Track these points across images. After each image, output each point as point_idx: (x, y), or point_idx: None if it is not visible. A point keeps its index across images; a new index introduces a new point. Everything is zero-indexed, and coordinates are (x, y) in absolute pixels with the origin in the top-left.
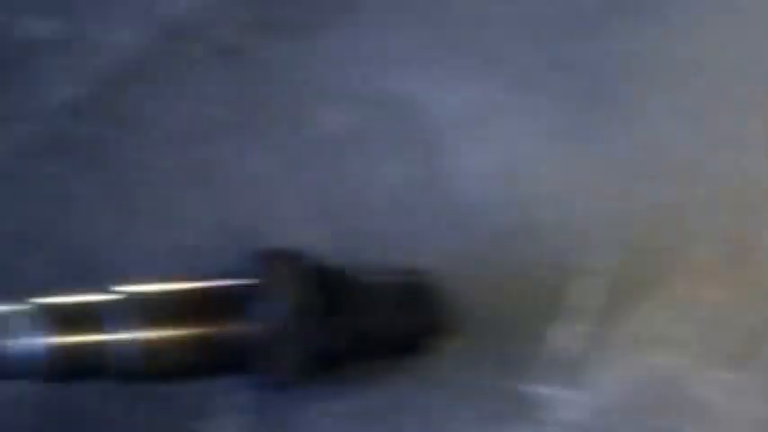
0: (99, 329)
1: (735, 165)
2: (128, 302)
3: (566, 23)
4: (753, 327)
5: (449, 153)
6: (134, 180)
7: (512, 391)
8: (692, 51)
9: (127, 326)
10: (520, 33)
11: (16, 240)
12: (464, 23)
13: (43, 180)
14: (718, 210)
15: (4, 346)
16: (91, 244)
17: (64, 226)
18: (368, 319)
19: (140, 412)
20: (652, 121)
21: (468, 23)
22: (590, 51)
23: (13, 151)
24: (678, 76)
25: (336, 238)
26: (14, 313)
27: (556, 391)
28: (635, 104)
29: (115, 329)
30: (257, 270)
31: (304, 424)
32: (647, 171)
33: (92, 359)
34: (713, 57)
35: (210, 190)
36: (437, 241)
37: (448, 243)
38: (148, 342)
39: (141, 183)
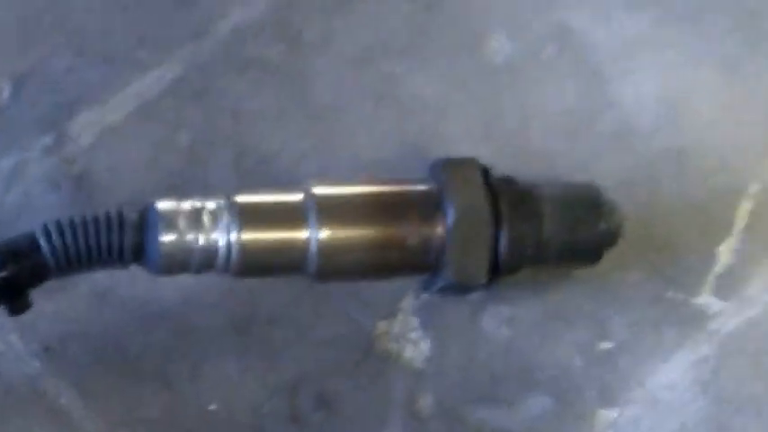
0: (290, 227)
1: None
2: (315, 201)
3: None
4: None
5: (614, 81)
6: (309, 96)
7: (680, 301)
8: None
9: (316, 224)
10: None
11: (193, 150)
12: None
13: (223, 95)
14: None
15: (196, 239)
16: (267, 154)
17: (239, 137)
18: (549, 227)
19: (326, 312)
20: None
21: None
22: None
23: (196, 68)
24: None
25: (507, 156)
26: (208, 209)
27: (719, 303)
28: None
29: (305, 227)
30: (439, 177)
31: (474, 328)
32: None
33: (281, 255)
34: None
35: (384, 108)
36: (606, 160)
37: (616, 162)
38: (333, 240)
39: (317, 99)
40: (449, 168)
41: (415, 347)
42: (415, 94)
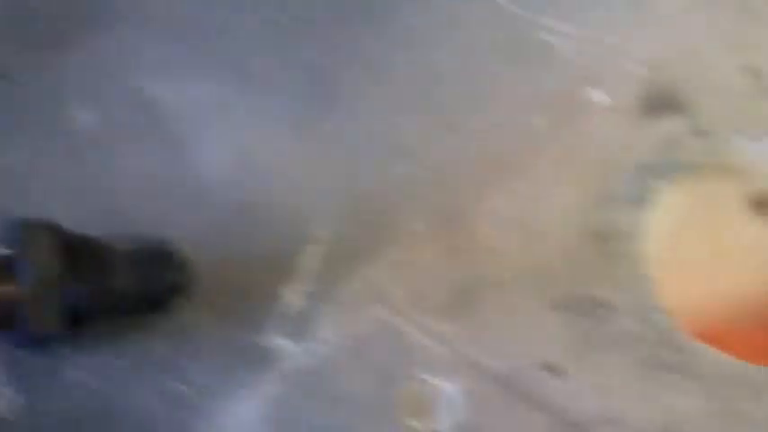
0: None
1: (444, 148)
2: None
3: (297, 29)
4: (461, 283)
5: (192, 144)
6: None
7: (251, 344)
8: (412, 54)
9: None
10: (257, 39)
11: None
12: (207, 32)
13: None
14: (430, 186)
15: None
16: None
17: None
18: (122, 280)
19: None
20: (374, 112)
21: (210, 31)
22: (321, 53)
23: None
24: (396, 74)
25: (95, 218)
26: None
27: (288, 343)
28: (359, 98)
29: None
30: (12, 238)
31: (58, 378)
32: (368, 154)
33: None
34: (429, 57)
35: None
36: (183, 218)
37: (193, 219)
38: None
39: None
40: (22, 229)
41: (3, 399)
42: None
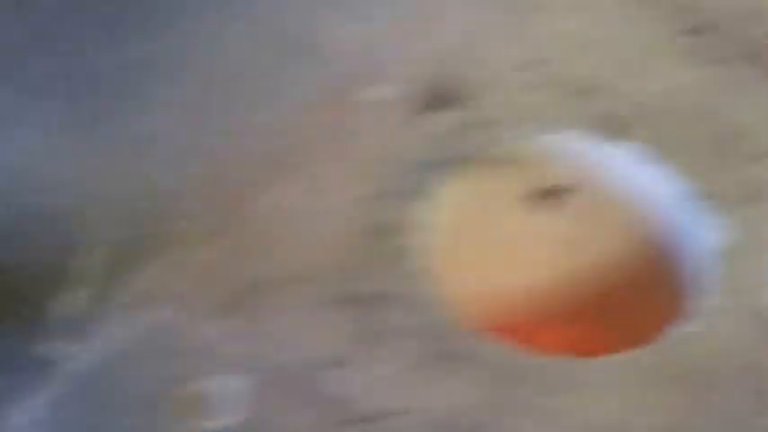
0: None
1: (227, 148)
2: None
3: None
4: (244, 282)
5: None
6: None
7: (28, 348)
8: (194, 56)
9: None
10: (33, 48)
11: None
12: None
13: None
14: (213, 187)
15: None
16: None
17: None
18: None
19: None
20: (158, 114)
21: None
22: (103, 57)
23: None
24: (179, 76)
25: None
26: None
27: (69, 346)
28: (142, 100)
29: None
30: None
31: None
32: (152, 156)
33: None
34: (211, 58)
35: None
36: None
37: None
38: None
39: None
40: None
41: None
42: None
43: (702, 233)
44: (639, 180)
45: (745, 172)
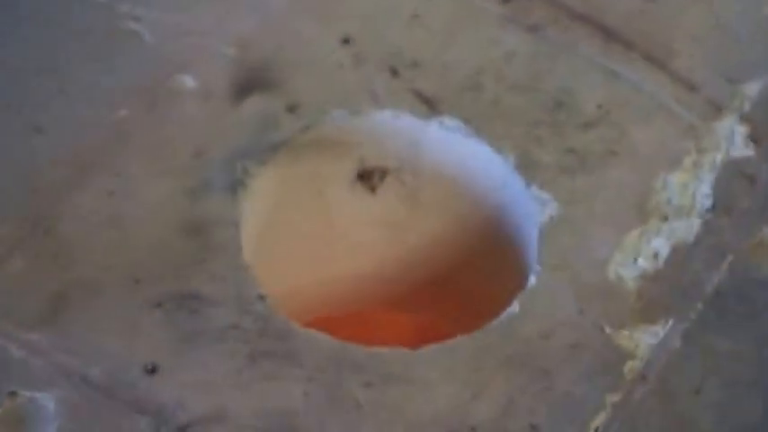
0: None
1: (28, 149)
2: None
3: None
4: (53, 290)
5: None
6: None
7: None
8: None
9: None
10: None
11: None
12: None
13: None
14: (15, 191)
15: None
16: None
17: None
18: None
19: None
20: None
21: None
22: None
23: None
24: None
25: None
26: None
27: None
28: None
29: None
30: None
31: None
32: None
33: None
34: (11, 53)
35: None
36: None
37: None
38: None
39: None
40: None
41: None
42: None
43: (529, 208)
44: (462, 157)
45: (569, 142)
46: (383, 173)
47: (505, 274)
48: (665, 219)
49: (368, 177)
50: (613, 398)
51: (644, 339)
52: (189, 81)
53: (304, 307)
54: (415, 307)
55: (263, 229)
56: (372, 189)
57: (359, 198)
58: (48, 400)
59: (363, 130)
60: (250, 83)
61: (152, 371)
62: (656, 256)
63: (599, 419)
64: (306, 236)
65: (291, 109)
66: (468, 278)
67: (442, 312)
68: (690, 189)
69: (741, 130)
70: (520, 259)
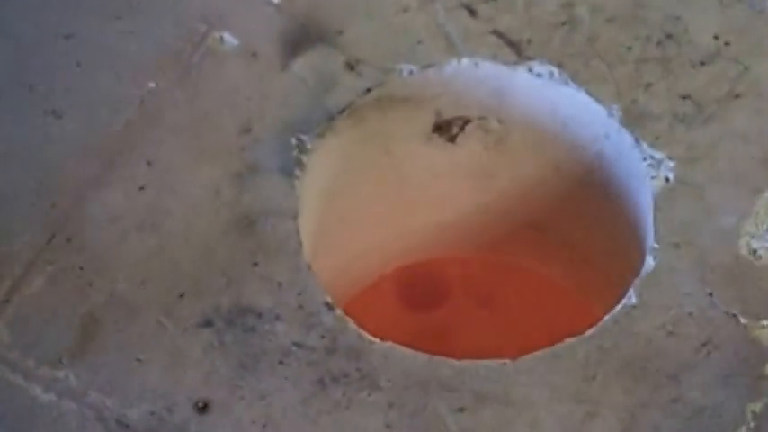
0: None
1: (46, 142)
2: None
3: None
4: (81, 316)
5: None
6: None
7: None
8: None
9: None
10: None
11: None
12: None
13: None
14: (36, 192)
15: None
16: None
17: None
18: None
19: None
20: None
21: None
22: None
23: None
24: None
25: None
26: None
27: None
28: None
29: None
30: None
31: None
32: None
33: None
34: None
35: None
36: None
37: None
38: None
39: None
40: None
41: None
42: None
43: (640, 169)
44: (555, 105)
45: (683, 85)
46: (464, 122)
47: (611, 223)
48: None
49: (446, 128)
50: (755, 406)
51: None
52: (229, 40)
53: (382, 260)
54: (514, 251)
55: (325, 209)
56: (452, 140)
57: (437, 150)
58: None
59: (438, 84)
60: (300, 37)
61: (203, 408)
62: None
63: None
64: (377, 197)
65: (351, 66)
66: (569, 225)
67: (544, 258)
68: None
69: None
70: (630, 216)
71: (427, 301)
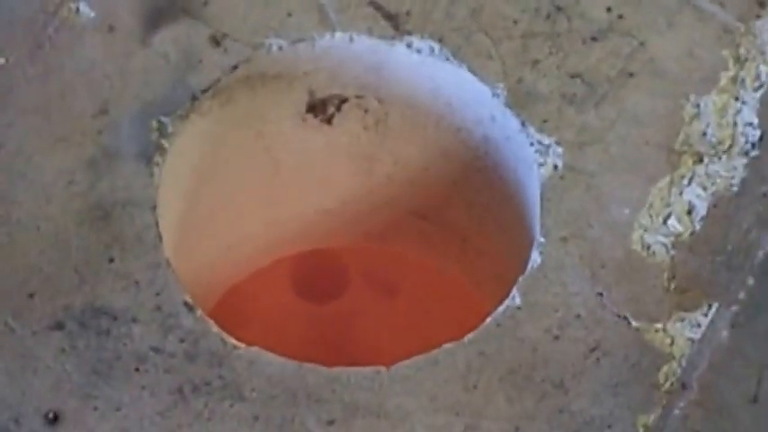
0: None
1: None
2: None
3: None
4: None
5: None
6: None
7: None
8: None
9: None
10: None
11: None
12: None
13: None
14: None
15: None
16: None
17: None
18: None
19: None
20: None
21: None
22: None
23: None
24: None
25: None
26: None
27: None
28: None
29: None
30: None
31: None
32: None
33: None
34: None
35: None
36: None
37: None
38: None
39: None
40: None
41: None
42: None
43: (527, 154)
44: (437, 84)
45: (573, 63)
46: (340, 101)
47: (501, 213)
48: (700, 159)
49: (321, 108)
50: (647, 418)
51: (682, 333)
52: (85, 11)
53: (259, 251)
54: (402, 241)
55: (191, 198)
56: (328, 120)
57: (312, 131)
58: None
59: (311, 60)
60: (162, 9)
61: (54, 420)
62: (690, 212)
63: None
64: (249, 183)
65: (217, 40)
66: (458, 214)
67: (433, 249)
68: (729, 115)
69: None
70: (520, 206)
71: (325, 292)
